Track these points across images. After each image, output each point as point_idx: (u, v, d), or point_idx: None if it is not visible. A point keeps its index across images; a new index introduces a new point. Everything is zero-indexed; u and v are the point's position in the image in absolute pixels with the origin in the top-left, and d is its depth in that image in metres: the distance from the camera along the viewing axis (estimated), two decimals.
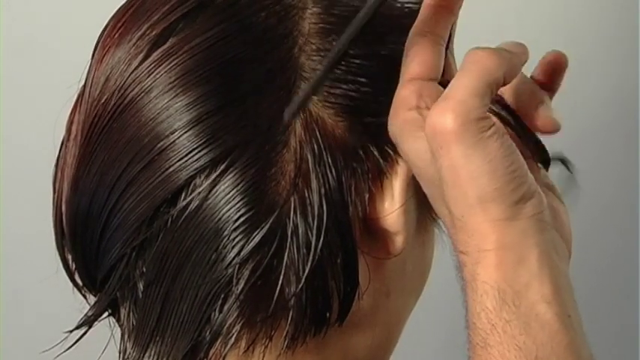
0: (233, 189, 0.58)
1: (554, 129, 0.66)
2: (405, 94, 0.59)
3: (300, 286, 0.58)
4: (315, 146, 0.59)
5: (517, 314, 0.54)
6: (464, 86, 0.56)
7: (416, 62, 0.59)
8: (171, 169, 0.59)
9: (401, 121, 0.58)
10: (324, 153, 0.59)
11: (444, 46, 0.61)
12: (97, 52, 0.64)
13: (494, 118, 0.56)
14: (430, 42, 0.60)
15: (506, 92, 0.65)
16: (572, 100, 1.38)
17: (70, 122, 0.65)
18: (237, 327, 0.59)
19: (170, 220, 0.59)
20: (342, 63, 0.60)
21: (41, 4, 1.18)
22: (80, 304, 0.65)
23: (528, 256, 0.55)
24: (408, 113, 0.58)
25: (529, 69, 1.38)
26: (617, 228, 1.41)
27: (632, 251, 1.40)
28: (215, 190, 0.58)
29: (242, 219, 0.58)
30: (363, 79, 0.61)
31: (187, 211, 0.59)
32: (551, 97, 0.67)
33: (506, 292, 0.55)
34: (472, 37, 1.26)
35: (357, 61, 0.61)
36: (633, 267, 1.40)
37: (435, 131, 0.55)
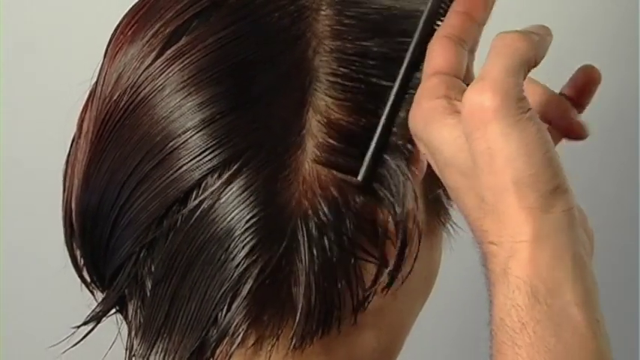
0: (246, 190, 0.58)
1: (586, 133, 0.67)
2: (432, 84, 0.58)
3: (308, 286, 0.58)
4: (330, 151, 0.59)
5: (549, 314, 0.53)
6: (500, 65, 0.55)
7: (441, 58, 0.59)
8: (183, 169, 0.59)
9: (427, 109, 0.57)
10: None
11: (467, 50, 0.60)
12: (109, 49, 0.64)
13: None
14: (454, 43, 0.59)
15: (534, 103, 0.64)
16: None
17: (82, 119, 0.65)
18: (244, 326, 0.59)
19: (180, 219, 0.59)
20: (357, 63, 0.60)
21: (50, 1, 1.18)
22: (88, 301, 0.65)
23: (563, 254, 0.54)
24: (435, 101, 0.57)
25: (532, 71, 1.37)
26: (617, 228, 1.41)
27: (632, 251, 1.40)
28: (227, 190, 0.58)
29: (254, 219, 0.58)
30: (374, 79, 0.61)
31: (199, 211, 0.59)
32: (579, 113, 0.67)
33: (539, 289, 0.53)
34: None
35: (372, 62, 0.61)
36: (633, 267, 1.40)
37: (474, 111, 0.54)
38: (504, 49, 0.56)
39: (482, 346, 0.57)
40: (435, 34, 0.60)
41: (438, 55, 0.59)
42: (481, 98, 0.54)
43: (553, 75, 1.37)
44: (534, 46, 0.57)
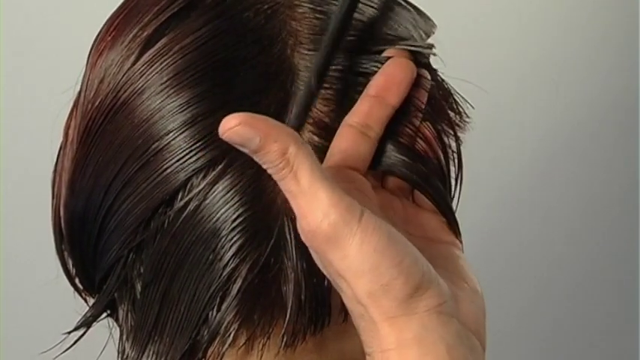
0: (231, 189, 0.58)
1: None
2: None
3: (297, 283, 0.58)
4: (315, 144, 0.59)
5: None
6: (305, 181, 0.52)
7: (336, 151, 0.58)
8: (168, 170, 0.59)
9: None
10: (324, 150, 0.59)
11: (375, 137, 0.59)
12: (90, 56, 0.64)
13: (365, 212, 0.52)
14: (357, 133, 0.58)
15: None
16: (572, 99, 1.38)
17: (67, 127, 0.65)
18: (235, 325, 0.59)
19: (167, 220, 0.59)
20: (335, 59, 0.60)
21: (39, 10, 1.18)
22: (79, 306, 0.65)
23: (436, 350, 0.52)
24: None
25: (525, 69, 1.38)
26: (617, 228, 1.41)
27: (633, 251, 1.40)
28: (213, 190, 0.59)
29: (240, 219, 0.58)
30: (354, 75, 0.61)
31: (185, 212, 0.59)
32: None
33: None
34: (472, 37, 1.27)
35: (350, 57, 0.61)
36: (633, 267, 1.40)
37: (311, 240, 0.53)
38: (295, 166, 0.52)
39: None
40: (343, 121, 0.58)
41: (332, 147, 0.58)
42: (308, 228, 0.52)
43: (553, 75, 1.37)
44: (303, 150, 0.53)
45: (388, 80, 0.59)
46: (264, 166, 0.53)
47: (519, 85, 1.37)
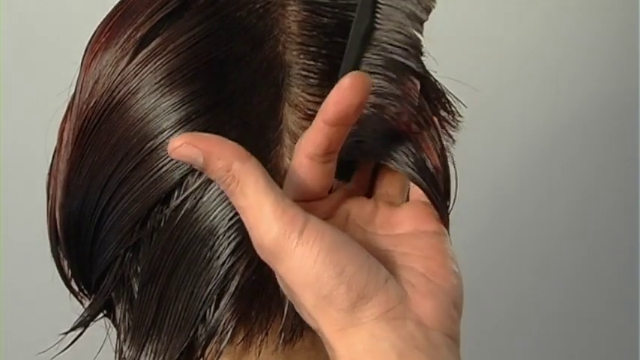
0: None
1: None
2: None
3: None
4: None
5: None
6: (250, 198, 0.53)
7: (294, 187, 0.56)
8: (163, 169, 0.59)
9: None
10: None
11: (335, 157, 0.56)
12: (85, 57, 0.64)
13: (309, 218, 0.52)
14: (319, 166, 0.55)
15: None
16: (572, 99, 1.38)
17: (62, 129, 0.66)
18: (233, 323, 0.59)
19: (164, 219, 0.60)
20: (326, 56, 0.60)
21: (33, 12, 1.18)
22: (76, 306, 0.66)
23: (387, 358, 0.51)
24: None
25: (519, 69, 1.38)
26: (617, 228, 1.41)
27: (633, 251, 1.40)
28: (209, 188, 0.59)
29: (237, 217, 0.58)
30: None
31: (182, 211, 0.59)
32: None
33: None
34: (473, 37, 1.27)
35: (341, 54, 0.61)
36: (633, 267, 1.40)
37: (258, 251, 0.53)
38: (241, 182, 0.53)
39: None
40: (300, 149, 0.55)
41: (295, 180, 0.56)
42: (255, 242, 0.53)
43: (553, 75, 1.37)
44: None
45: (340, 106, 0.53)
46: (216, 181, 0.53)
47: (519, 86, 1.37)
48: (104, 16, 0.65)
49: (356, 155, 0.59)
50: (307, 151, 0.55)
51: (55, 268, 0.67)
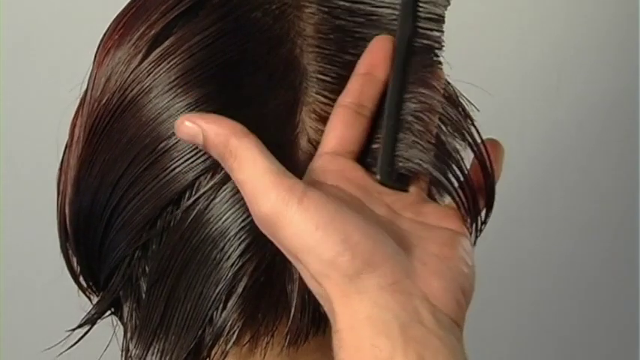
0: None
1: None
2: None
3: (302, 282, 0.58)
4: None
5: None
6: (248, 169, 0.54)
7: (332, 136, 0.59)
8: (177, 170, 0.59)
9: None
10: None
11: (370, 116, 0.60)
12: (97, 54, 0.64)
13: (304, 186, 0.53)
14: (352, 113, 0.59)
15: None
16: (572, 100, 1.38)
17: (73, 126, 0.65)
18: (240, 324, 0.59)
19: (174, 220, 0.60)
20: (344, 59, 0.61)
21: (43, 6, 1.18)
22: (83, 303, 0.66)
23: (388, 329, 0.51)
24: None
25: (519, 69, 1.38)
26: (617, 228, 1.42)
27: (633, 251, 1.40)
28: (221, 190, 0.59)
29: (248, 219, 0.58)
30: None
31: (194, 212, 0.59)
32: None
33: None
34: (472, 36, 1.27)
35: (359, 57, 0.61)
36: (633, 267, 1.40)
37: (260, 223, 0.54)
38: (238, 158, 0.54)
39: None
40: (337, 102, 0.59)
41: (327, 132, 0.59)
42: (254, 213, 0.53)
43: (554, 75, 1.37)
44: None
45: (375, 56, 0.60)
46: (217, 159, 0.55)
47: (519, 86, 1.37)
48: (117, 11, 0.65)
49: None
50: (342, 100, 0.59)
51: (63, 263, 0.67)
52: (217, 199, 0.59)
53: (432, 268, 0.54)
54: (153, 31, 0.61)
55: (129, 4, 0.64)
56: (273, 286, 0.59)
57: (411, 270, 0.53)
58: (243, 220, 0.58)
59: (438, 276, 0.54)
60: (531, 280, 1.41)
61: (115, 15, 0.64)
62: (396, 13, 0.62)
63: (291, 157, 0.59)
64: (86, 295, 0.66)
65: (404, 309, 0.51)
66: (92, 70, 0.64)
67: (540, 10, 1.34)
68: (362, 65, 0.60)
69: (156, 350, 0.61)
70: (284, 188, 0.52)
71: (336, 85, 0.60)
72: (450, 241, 0.56)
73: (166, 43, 0.60)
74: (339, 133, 0.58)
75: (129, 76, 0.60)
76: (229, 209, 0.59)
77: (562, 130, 1.37)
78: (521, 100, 1.37)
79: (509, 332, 1.41)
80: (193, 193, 0.59)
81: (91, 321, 0.64)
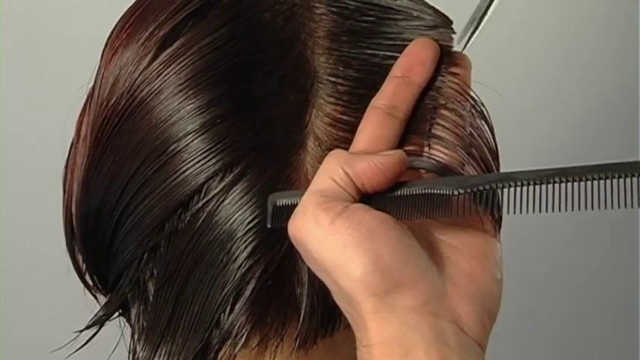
0: (248, 192, 0.58)
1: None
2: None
3: (311, 285, 0.58)
4: (334, 146, 0.59)
5: None
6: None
7: (362, 135, 0.59)
8: (187, 172, 0.59)
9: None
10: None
11: (403, 118, 0.59)
12: (105, 52, 0.63)
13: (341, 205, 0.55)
14: (384, 115, 0.59)
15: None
16: (572, 99, 1.38)
17: (80, 123, 0.65)
18: (248, 327, 0.59)
19: (183, 222, 0.59)
20: (355, 61, 0.61)
21: (54, 4, 1.18)
22: (91, 303, 0.65)
23: (414, 350, 0.52)
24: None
25: (519, 69, 1.38)
26: (617, 228, 1.41)
27: (633, 251, 1.40)
28: (230, 193, 0.58)
29: (255, 221, 0.58)
30: (375, 76, 0.61)
31: (203, 214, 0.59)
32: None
33: None
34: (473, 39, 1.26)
35: (371, 59, 0.61)
36: (633, 267, 1.40)
37: (293, 239, 0.56)
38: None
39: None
40: (370, 103, 0.59)
41: (359, 132, 0.59)
42: (290, 230, 0.55)
43: (554, 74, 1.37)
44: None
45: (412, 60, 0.60)
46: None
47: (519, 86, 1.37)
48: (125, 9, 0.64)
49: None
50: (375, 102, 0.59)
51: (70, 262, 0.67)
52: (226, 202, 0.59)
53: (463, 290, 0.55)
54: (162, 32, 0.60)
55: (136, 3, 0.63)
56: (283, 289, 0.59)
57: (441, 291, 0.54)
58: (250, 222, 0.58)
59: (467, 300, 0.55)
60: (531, 280, 1.41)
61: (122, 13, 0.64)
62: (406, 12, 0.62)
63: (296, 158, 0.59)
64: (92, 293, 0.66)
65: (432, 330, 0.53)
66: (99, 68, 0.63)
67: (540, 10, 1.34)
68: (398, 68, 0.60)
69: (163, 352, 0.61)
70: (322, 209, 0.54)
71: (347, 87, 0.60)
72: (480, 254, 0.57)
73: (176, 44, 0.60)
74: (370, 133, 0.58)
75: (138, 77, 0.60)
76: (237, 211, 0.58)
77: (562, 129, 1.37)
78: (521, 99, 1.37)
79: (509, 332, 1.41)
80: (203, 195, 0.59)
81: (98, 322, 0.64)
